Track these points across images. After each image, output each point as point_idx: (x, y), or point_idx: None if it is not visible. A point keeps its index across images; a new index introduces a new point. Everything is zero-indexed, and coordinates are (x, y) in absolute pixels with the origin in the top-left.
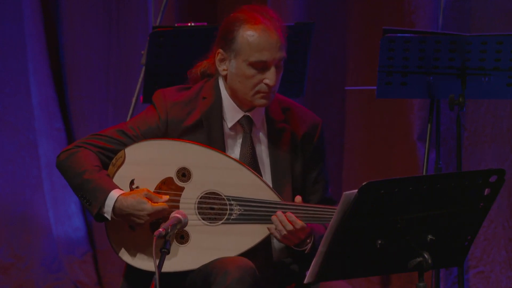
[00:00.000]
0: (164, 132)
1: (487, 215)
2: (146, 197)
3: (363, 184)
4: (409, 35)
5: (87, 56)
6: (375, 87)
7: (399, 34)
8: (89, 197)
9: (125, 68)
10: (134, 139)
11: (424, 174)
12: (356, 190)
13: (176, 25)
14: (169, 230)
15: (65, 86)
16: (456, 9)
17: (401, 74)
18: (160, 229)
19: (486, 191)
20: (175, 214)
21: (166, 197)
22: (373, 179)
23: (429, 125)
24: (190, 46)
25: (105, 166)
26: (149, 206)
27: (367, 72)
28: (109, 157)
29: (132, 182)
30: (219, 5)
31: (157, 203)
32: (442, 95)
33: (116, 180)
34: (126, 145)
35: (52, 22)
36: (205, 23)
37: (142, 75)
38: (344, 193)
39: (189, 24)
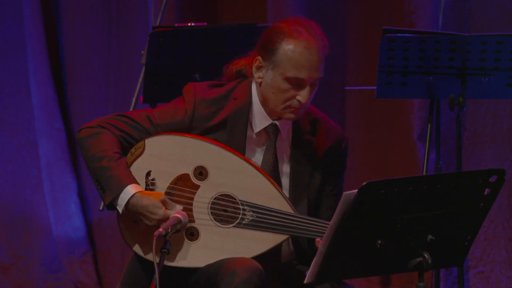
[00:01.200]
0: (188, 125)
1: (487, 215)
2: (162, 202)
3: (363, 184)
4: (409, 35)
5: (87, 56)
6: (375, 87)
7: (399, 34)
8: (104, 184)
9: (125, 68)
10: (158, 128)
11: (424, 174)
12: (356, 190)
13: (176, 25)
14: (169, 230)
15: (65, 86)
16: (456, 9)
17: (401, 74)
18: (160, 229)
19: (486, 191)
20: (175, 214)
21: (180, 207)
22: (373, 179)
23: (429, 125)
24: (190, 46)
25: (125, 151)
26: (162, 212)
27: (367, 72)
28: (129, 142)
29: (148, 174)
30: (219, 5)
31: (170, 210)
32: (442, 95)
33: (132, 170)
34: (149, 132)
35: (52, 22)
36: (205, 23)
37: (142, 75)
38: (344, 193)
39: (189, 24)
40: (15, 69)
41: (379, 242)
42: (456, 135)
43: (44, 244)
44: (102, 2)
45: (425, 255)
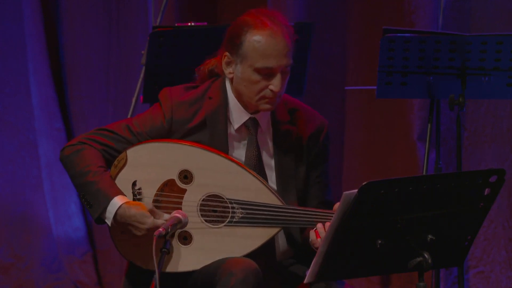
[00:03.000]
0: (168, 130)
1: (487, 215)
2: (150, 212)
3: (363, 184)
4: (409, 35)
5: (87, 56)
6: (375, 87)
7: (399, 34)
8: (91, 199)
9: (125, 68)
10: (138, 137)
11: (424, 174)
12: (356, 190)
13: (176, 25)
14: (169, 230)
15: (65, 86)
16: (456, 9)
17: (401, 74)
18: (160, 229)
19: (486, 191)
20: (175, 214)
21: (168, 216)
22: (373, 179)
23: (429, 125)
24: (190, 46)
25: (109, 164)
26: (150, 221)
27: (367, 72)
28: (112, 155)
29: (134, 184)
30: (219, 5)
31: (158, 219)
32: (442, 95)
33: (118, 181)
34: (130, 142)
35: (52, 22)
36: (205, 23)
37: (142, 75)
38: (344, 193)
39: (189, 24)
40: (15, 69)
41: (379, 242)
42: (456, 135)
43: (44, 244)
44: (102, 2)
45: (425, 255)
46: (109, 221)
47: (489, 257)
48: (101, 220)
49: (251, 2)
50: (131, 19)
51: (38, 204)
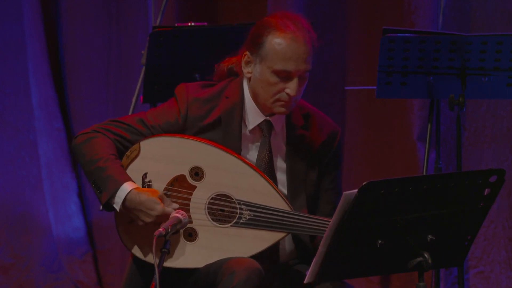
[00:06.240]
0: (182, 126)
1: (487, 215)
2: (160, 198)
3: (363, 184)
4: (409, 35)
5: (87, 56)
6: (375, 87)
7: (399, 34)
8: (101, 185)
9: (125, 68)
10: (152, 130)
11: (424, 174)
12: (356, 190)
13: (176, 25)
14: (169, 230)
15: (65, 86)
16: (456, 9)
17: (401, 74)
18: (160, 229)
19: (486, 191)
20: (175, 214)
21: (176, 205)
22: (373, 179)
23: (429, 125)
24: (190, 46)
25: (121, 154)
26: (160, 208)
27: (367, 72)
28: (125, 145)
29: (145, 176)
30: (219, 5)
31: (167, 207)
32: (442, 95)
33: (129, 172)
34: (143, 135)
35: (52, 22)
36: (205, 23)
37: (142, 75)
38: (344, 193)
39: (189, 24)
40: (15, 69)
41: (379, 242)
42: (456, 135)
43: (44, 244)
44: (102, 2)
45: (425, 255)
46: (117, 206)
47: (489, 257)
48: (109, 206)
49: (251, 2)
50: (131, 19)
51: (38, 204)
